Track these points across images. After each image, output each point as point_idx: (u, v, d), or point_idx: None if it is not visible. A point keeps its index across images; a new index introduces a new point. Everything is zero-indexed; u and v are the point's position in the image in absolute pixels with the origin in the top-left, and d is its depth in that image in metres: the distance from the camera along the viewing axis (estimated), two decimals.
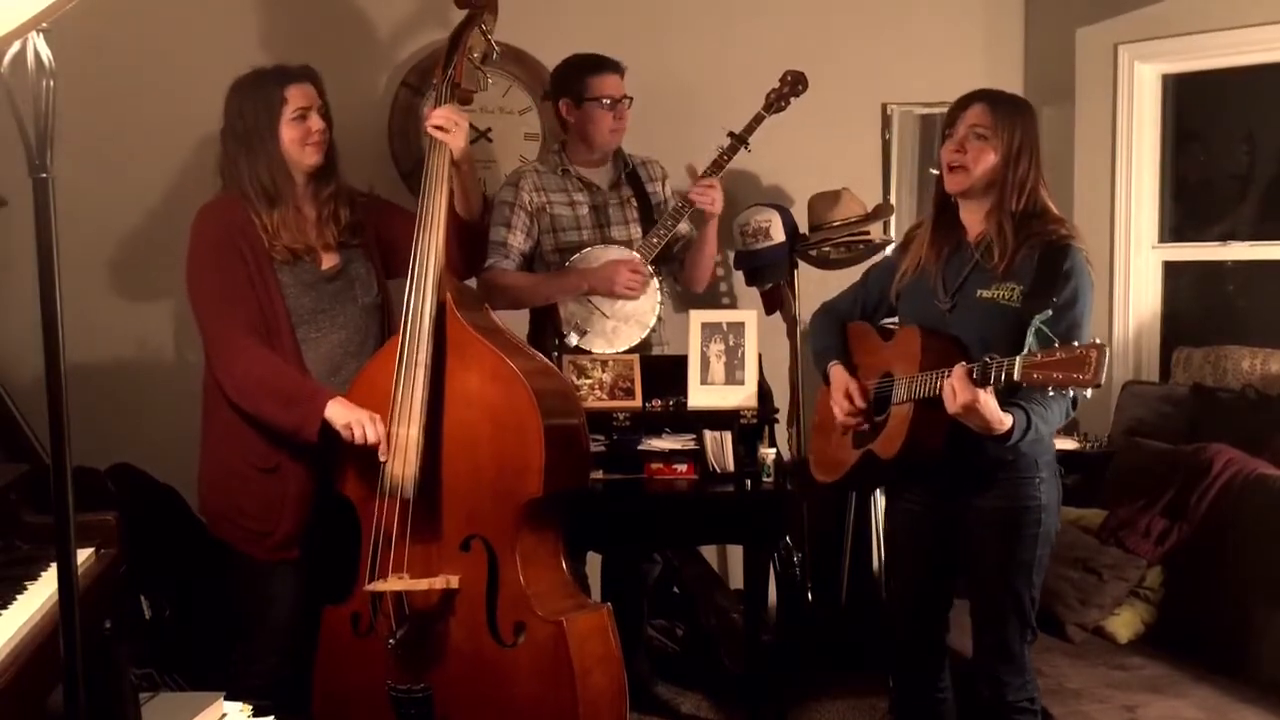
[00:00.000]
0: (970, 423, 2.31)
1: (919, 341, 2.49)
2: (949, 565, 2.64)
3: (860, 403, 2.64)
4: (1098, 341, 2.12)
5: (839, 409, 2.68)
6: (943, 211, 2.61)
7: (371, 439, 2.59)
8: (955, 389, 2.26)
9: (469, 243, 2.96)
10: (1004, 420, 2.30)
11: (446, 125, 2.76)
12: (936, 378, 2.36)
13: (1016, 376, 2.18)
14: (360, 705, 2.67)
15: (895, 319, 2.74)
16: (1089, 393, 2.13)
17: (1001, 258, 2.45)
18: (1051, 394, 2.26)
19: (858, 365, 2.73)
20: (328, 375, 2.79)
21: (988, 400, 2.27)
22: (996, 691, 2.57)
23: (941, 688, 2.74)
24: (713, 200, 3.41)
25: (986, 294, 2.47)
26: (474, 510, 2.61)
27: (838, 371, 2.71)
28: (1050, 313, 2.23)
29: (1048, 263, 2.41)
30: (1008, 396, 2.32)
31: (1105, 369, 2.08)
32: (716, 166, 3.46)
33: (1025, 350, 2.18)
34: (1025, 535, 2.50)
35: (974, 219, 2.55)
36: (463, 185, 2.88)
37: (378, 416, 2.62)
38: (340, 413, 2.62)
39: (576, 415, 2.75)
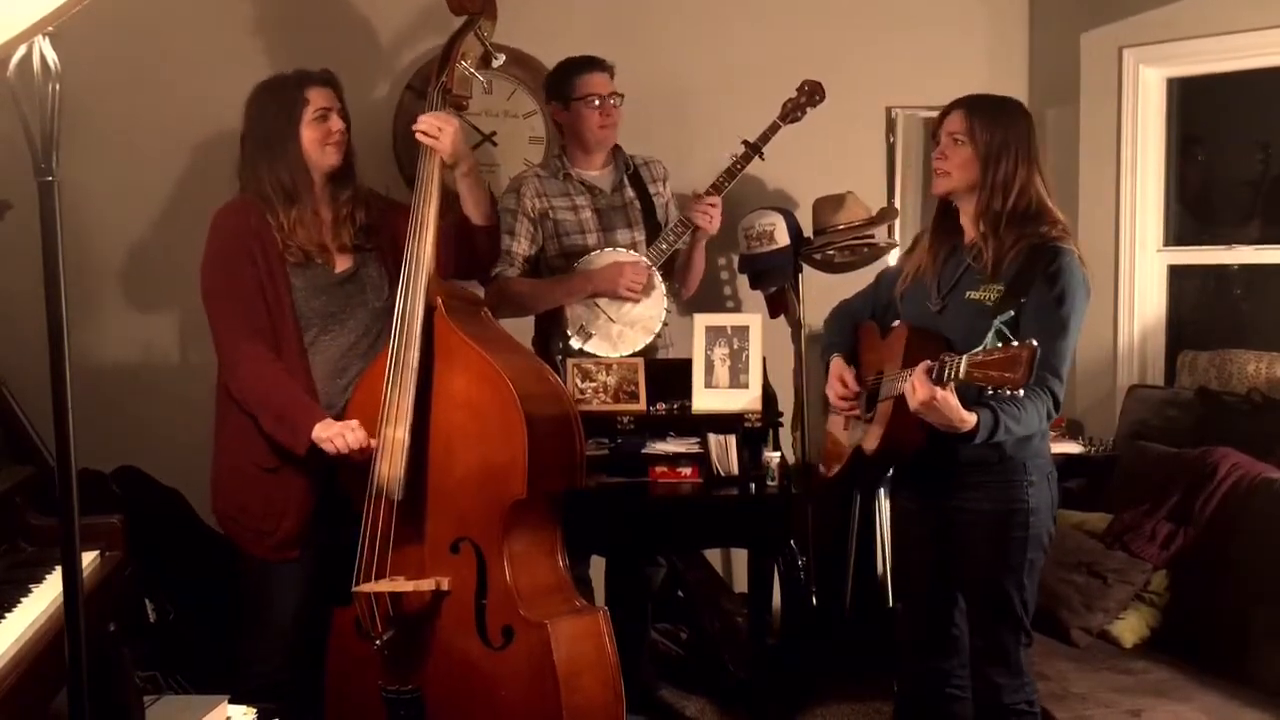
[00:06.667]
0: (932, 420, 2.32)
1: (904, 339, 2.53)
2: (948, 563, 2.64)
3: (854, 386, 2.68)
4: (1031, 343, 2.13)
5: (832, 394, 2.72)
6: (944, 217, 2.65)
7: (353, 444, 2.61)
8: (915, 386, 2.28)
9: (480, 246, 2.96)
10: (967, 419, 2.29)
11: (431, 131, 2.76)
12: (909, 375, 2.38)
13: (961, 375, 2.20)
14: (365, 706, 2.68)
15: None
16: (1021, 393, 2.15)
17: (988, 259, 2.47)
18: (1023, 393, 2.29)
19: (863, 363, 2.76)
20: (333, 378, 2.80)
21: (947, 397, 2.27)
22: (993, 695, 2.57)
23: (956, 684, 2.70)
24: (712, 219, 3.43)
25: (974, 295, 2.49)
26: (462, 512, 2.61)
27: (836, 361, 2.76)
28: (1013, 313, 2.27)
29: (1030, 264, 2.42)
30: (979, 396, 2.32)
31: (1035, 369, 2.10)
32: (730, 175, 3.48)
33: (983, 348, 2.20)
34: (1013, 538, 2.49)
35: (969, 222, 2.58)
36: (465, 189, 2.88)
37: (354, 422, 2.63)
38: (321, 432, 2.64)
39: (566, 416, 2.72)
